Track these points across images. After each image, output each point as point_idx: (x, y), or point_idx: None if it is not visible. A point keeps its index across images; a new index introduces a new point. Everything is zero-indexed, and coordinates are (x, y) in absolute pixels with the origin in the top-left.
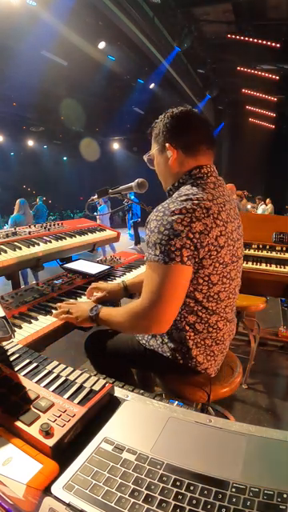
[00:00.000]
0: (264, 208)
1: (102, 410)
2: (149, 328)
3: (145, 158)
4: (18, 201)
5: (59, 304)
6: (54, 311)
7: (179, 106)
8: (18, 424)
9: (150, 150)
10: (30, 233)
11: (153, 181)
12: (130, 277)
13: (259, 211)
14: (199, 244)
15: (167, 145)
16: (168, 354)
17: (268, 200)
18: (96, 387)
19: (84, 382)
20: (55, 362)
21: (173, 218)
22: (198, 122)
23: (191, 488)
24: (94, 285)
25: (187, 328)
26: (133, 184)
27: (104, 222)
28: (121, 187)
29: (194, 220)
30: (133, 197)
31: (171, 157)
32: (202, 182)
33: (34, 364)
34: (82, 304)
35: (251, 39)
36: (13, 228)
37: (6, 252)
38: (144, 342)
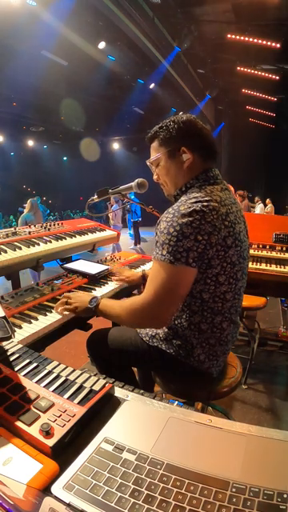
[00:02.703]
0: (261, 208)
1: (102, 410)
2: (148, 324)
3: (148, 162)
4: (29, 200)
5: (60, 297)
6: (54, 311)
7: (182, 114)
8: (18, 424)
9: (152, 154)
10: (30, 233)
11: (153, 181)
12: None
13: (257, 211)
14: (208, 245)
15: (184, 148)
16: (172, 351)
17: (268, 200)
18: (96, 387)
19: (84, 382)
20: (55, 362)
21: (183, 220)
22: (205, 128)
23: (191, 488)
24: (118, 269)
25: (192, 327)
26: (133, 184)
27: (116, 220)
28: (121, 187)
29: (203, 222)
30: (133, 196)
31: (187, 160)
32: (210, 185)
33: (34, 364)
34: (82, 295)
35: (251, 39)
36: (13, 228)
37: (6, 252)
38: (147, 338)
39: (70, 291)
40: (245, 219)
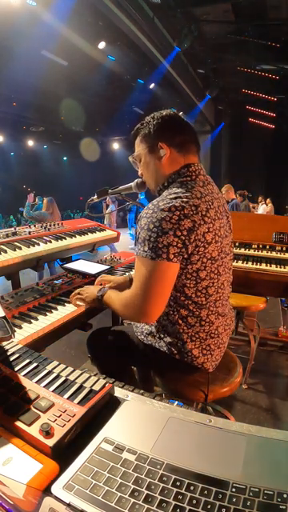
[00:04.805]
0: (264, 208)
1: (102, 410)
2: (137, 317)
3: (130, 159)
4: (45, 200)
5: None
6: (54, 311)
7: (164, 110)
8: (18, 424)
9: (135, 151)
10: (30, 233)
11: None
12: None
13: (260, 211)
14: (187, 240)
15: (160, 144)
16: (164, 349)
17: (268, 200)
18: (96, 387)
19: (84, 382)
20: (55, 362)
21: (162, 215)
22: (186, 123)
23: (191, 488)
24: (102, 276)
25: (180, 321)
26: (132, 184)
27: (114, 220)
28: (120, 187)
29: (182, 218)
30: (143, 197)
31: (164, 155)
32: (191, 180)
33: (34, 364)
34: (92, 287)
35: (251, 39)
36: (13, 228)
37: (6, 252)
38: (142, 337)
39: (69, 291)
40: (228, 214)
